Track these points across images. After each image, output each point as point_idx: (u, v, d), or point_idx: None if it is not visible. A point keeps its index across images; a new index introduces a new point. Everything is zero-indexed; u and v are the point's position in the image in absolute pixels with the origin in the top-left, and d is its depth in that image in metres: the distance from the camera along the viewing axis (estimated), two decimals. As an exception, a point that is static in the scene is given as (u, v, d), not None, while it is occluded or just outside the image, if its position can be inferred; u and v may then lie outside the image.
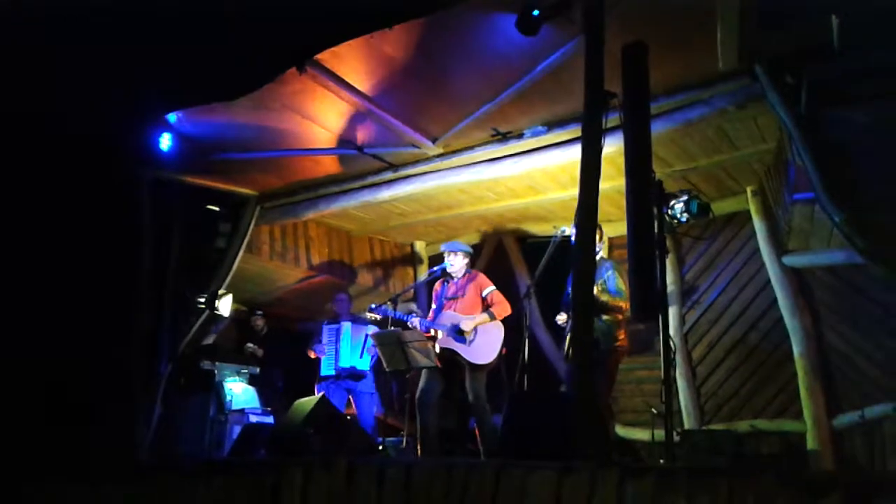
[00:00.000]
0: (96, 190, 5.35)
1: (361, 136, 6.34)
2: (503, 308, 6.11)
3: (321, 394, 6.37)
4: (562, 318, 5.78)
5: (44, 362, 4.68)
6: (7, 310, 4.73)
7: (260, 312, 8.90)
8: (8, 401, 4.54)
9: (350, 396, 7.28)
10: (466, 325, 5.94)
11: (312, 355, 7.59)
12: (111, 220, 5.37)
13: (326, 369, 7.37)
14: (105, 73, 4.85)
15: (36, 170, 5.01)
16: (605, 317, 5.42)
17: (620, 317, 5.47)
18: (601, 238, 5.70)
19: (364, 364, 7.15)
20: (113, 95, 5.00)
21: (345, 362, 7.27)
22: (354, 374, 7.22)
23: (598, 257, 5.55)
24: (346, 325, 7.44)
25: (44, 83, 4.86)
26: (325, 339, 7.48)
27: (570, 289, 5.90)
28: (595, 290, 5.21)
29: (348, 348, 7.31)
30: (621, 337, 5.49)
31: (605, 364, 5.38)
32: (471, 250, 6.44)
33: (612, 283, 5.53)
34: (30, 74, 4.83)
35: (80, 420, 4.80)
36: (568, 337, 5.58)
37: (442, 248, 6.43)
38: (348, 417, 6.80)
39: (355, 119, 5.96)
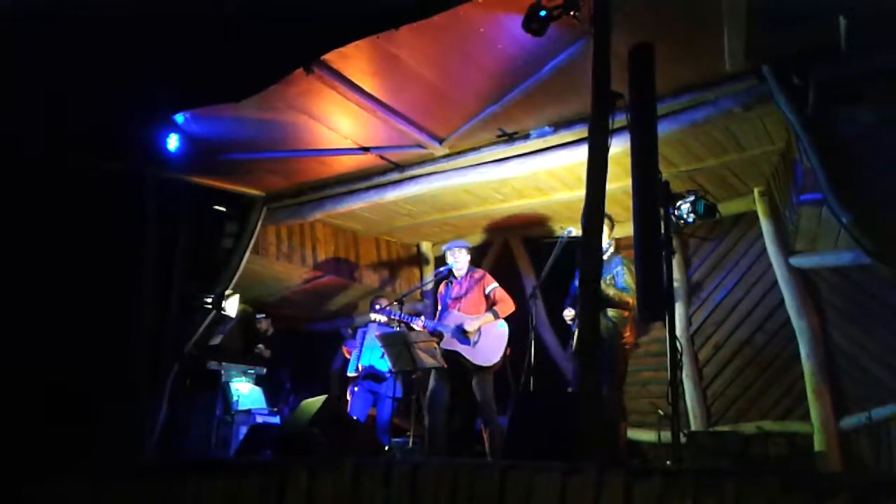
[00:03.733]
0: (100, 189, 5.37)
1: (368, 136, 6.35)
2: (506, 305, 6.12)
3: (326, 395, 6.38)
4: (569, 313, 5.73)
5: (44, 362, 4.70)
6: (9, 309, 4.75)
7: (262, 315, 8.91)
8: (8, 401, 4.56)
9: (374, 399, 7.30)
10: (470, 326, 5.94)
11: (347, 354, 7.67)
12: (114, 219, 5.39)
13: (350, 369, 7.48)
14: (111, 73, 4.87)
15: (40, 168, 5.03)
16: (611, 312, 5.38)
17: (627, 313, 5.43)
18: (611, 232, 5.68)
19: (383, 365, 7.15)
20: (119, 96, 5.02)
21: (364, 361, 7.32)
22: (374, 375, 7.24)
23: (608, 253, 5.55)
24: (373, 327, 7.48)
25: (51, 82, 4.89)
26: (357, 340, 7.55)
27: (577, 282, 5.88)
28: (602, 285, 5.19)
29: (369, 349, 7.35)
30: (627, 334, 5.44)
31: (612, 362, 5.33)
32: (469, 245, 6.47)
33: (620, 279, 5.48)
34: (37, 73, 4.86)
35: (80, 419, 4.81)
36: (575, 333, 5.55)
37: (443, 248, 6.46)
38: (359, 419, 6.82)
39: (362, 120, 5.97)
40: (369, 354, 7.34)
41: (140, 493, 3.73)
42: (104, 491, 3.79)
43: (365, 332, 7.54)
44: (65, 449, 4.59)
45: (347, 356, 7.69)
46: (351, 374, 7.44)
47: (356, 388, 7.28)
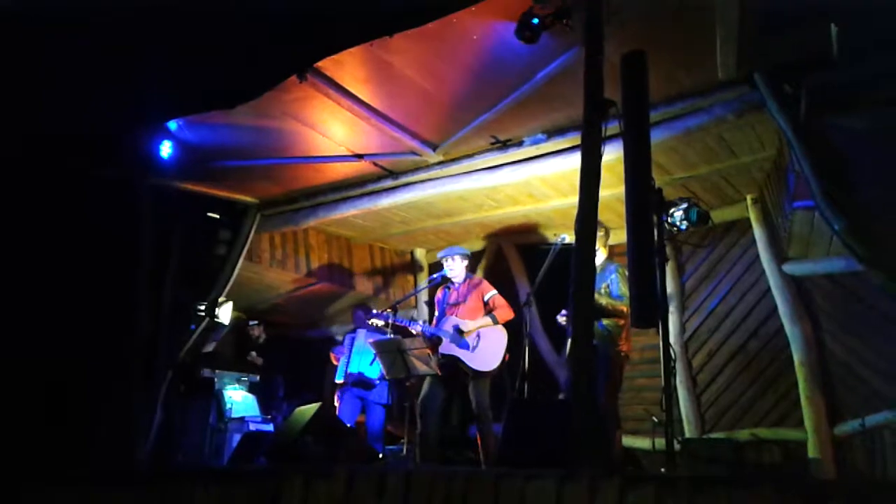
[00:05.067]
0: (96, 195, 5.36)
1: (361, 143, 6.35)
2: (505, 312, 6.12)
3: (320, 403, 6.36)
4: (563, 318, 5.71)
5: (38, 369, 4.68)
6: (8, 312, 4.73)
7: (255, 322, 8.89)
8: (7, 401, 4.54)
9: (363, 405, 7.27)
10: (467, 326, 5.94)
11: (334, 360, 7.63)
12: (110, 224, 5.38)
13: (339, 376, 7.44)
14: (106, 80, 4.86)
15: (37, 175, 5.02)
16: (605, 321, 5.39)
17: (622, 321, 5.44)
18: (606, 241, 5.70)
19: (373, 372, 7.14)
20: (113, 103, 5.01)
21: (353, 368, 7.29)
22: (363, 382, 7.21)
23: (602, 260, 5.56)
24: (361, 333, 7.46)
25: (46, 90, 4.88)
26: (345, 346, 7.53)
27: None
28: (595, 294, 5.19)
29: (358, 356, 7.33)
30: (622, 342, 5.44)
31: (608, 370, 5.34)
32: (468, 252, 6.45)
33: (615, 287, 5.48)
34: (32, 81, 4.85)
35: (75, 426, 4.79)
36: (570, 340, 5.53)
37: (439, 255, 6.46)
38: (349, 426, 6.79)
39: (355, 127, 5.97)
40: (358, 361, 7.31)
41: (133, 501, 3.72)
42: (98, 499, 3.78)
43: (353, 339, 7.52)
44: (59, 455, 4.57)
45: (335, 362, 7.65)
46: (339, 380, 7.40)
47: (344, 395, 7.24)
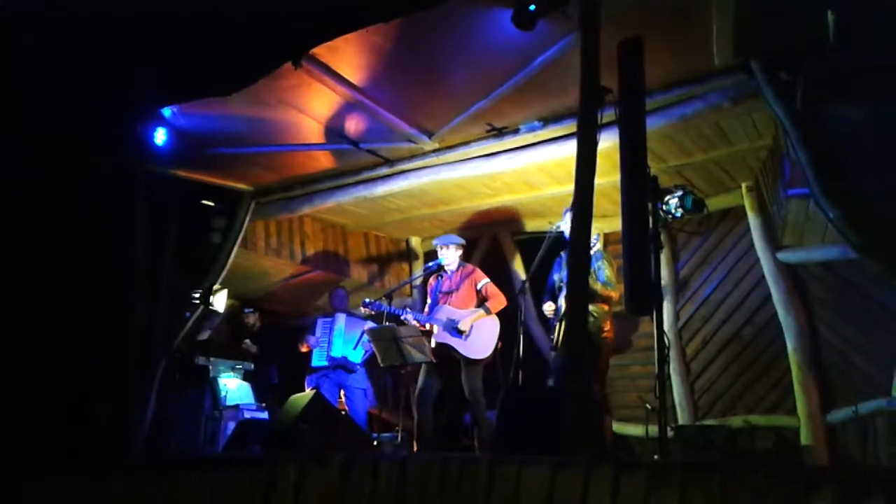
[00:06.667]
0: (90, 185, 5.33)
1: (357, 130, 6.32)
2: (498, 301, 6.14)
3: (315, 389, 6.37)
4: (549, 307, 5.74)
5: (41, 361, 4.67)
6: (4, 308, 4.72)
7: (250, 309, 8.88)
8: (4, 394, 4.54)
9: (341, 391, 7.26)
10: (464, 325, 5.95)
11: (304, 348, 7.55)
12: (106, 216, 5.36)
13: (318, 360, 7.35)
14: (100, 67, 4.83)
15: (30, 165, 4.99)
16: (591, 307, 5.40)
17: (607, 307, 5.47)
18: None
19: (356, 356, 7.15)
20: (108, 90, 4.98)
21: (337, 352, 7.26)
22: (346, 366, 7.21)
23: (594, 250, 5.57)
24: (342, 317, 7.45)
25: (38, 77, 4.85)
26: (318, 331, 7.47)
27: (553, 274, 5.90)
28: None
29: (341, 339, 7.31)
30: (607, 328, 5.48)
31: (595, 356, 5.37)
32: (463, 242, 6.45)
33: (601, 273, 5.52)
34: (24, 68, 4.82)
35: (77, 417, 4.79)
36: (557, 326, 5.57)
37: (434, 242, 6.47)
38: (343, 413, 6.80)
39: (351, 114, 5.94)
40: (341, 344, 7.29)
41: (130, 490, 3.72)
42: (94, 488, 3.78)
43: (332, 322, 7.47)
44: (58, 448, 4.56)
45: (304, 349, 7.55)
46: (320, 364, 7.34)
47: (322, 381, 7.19)
